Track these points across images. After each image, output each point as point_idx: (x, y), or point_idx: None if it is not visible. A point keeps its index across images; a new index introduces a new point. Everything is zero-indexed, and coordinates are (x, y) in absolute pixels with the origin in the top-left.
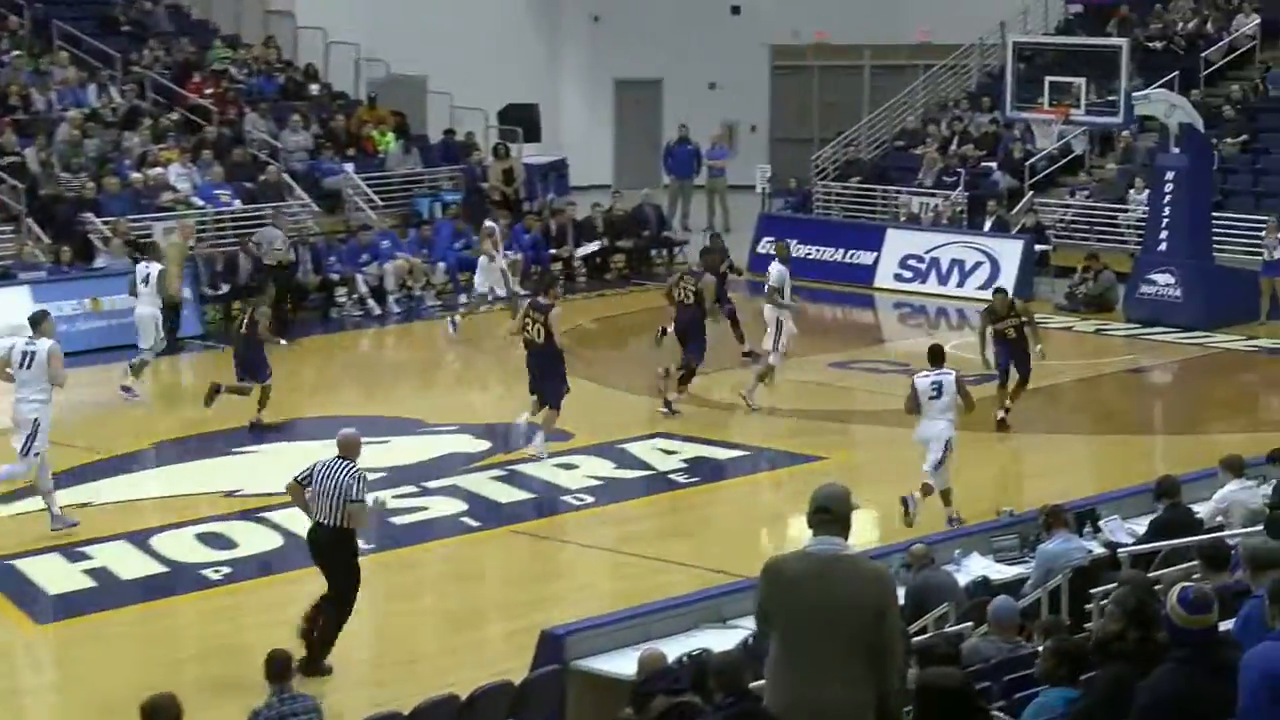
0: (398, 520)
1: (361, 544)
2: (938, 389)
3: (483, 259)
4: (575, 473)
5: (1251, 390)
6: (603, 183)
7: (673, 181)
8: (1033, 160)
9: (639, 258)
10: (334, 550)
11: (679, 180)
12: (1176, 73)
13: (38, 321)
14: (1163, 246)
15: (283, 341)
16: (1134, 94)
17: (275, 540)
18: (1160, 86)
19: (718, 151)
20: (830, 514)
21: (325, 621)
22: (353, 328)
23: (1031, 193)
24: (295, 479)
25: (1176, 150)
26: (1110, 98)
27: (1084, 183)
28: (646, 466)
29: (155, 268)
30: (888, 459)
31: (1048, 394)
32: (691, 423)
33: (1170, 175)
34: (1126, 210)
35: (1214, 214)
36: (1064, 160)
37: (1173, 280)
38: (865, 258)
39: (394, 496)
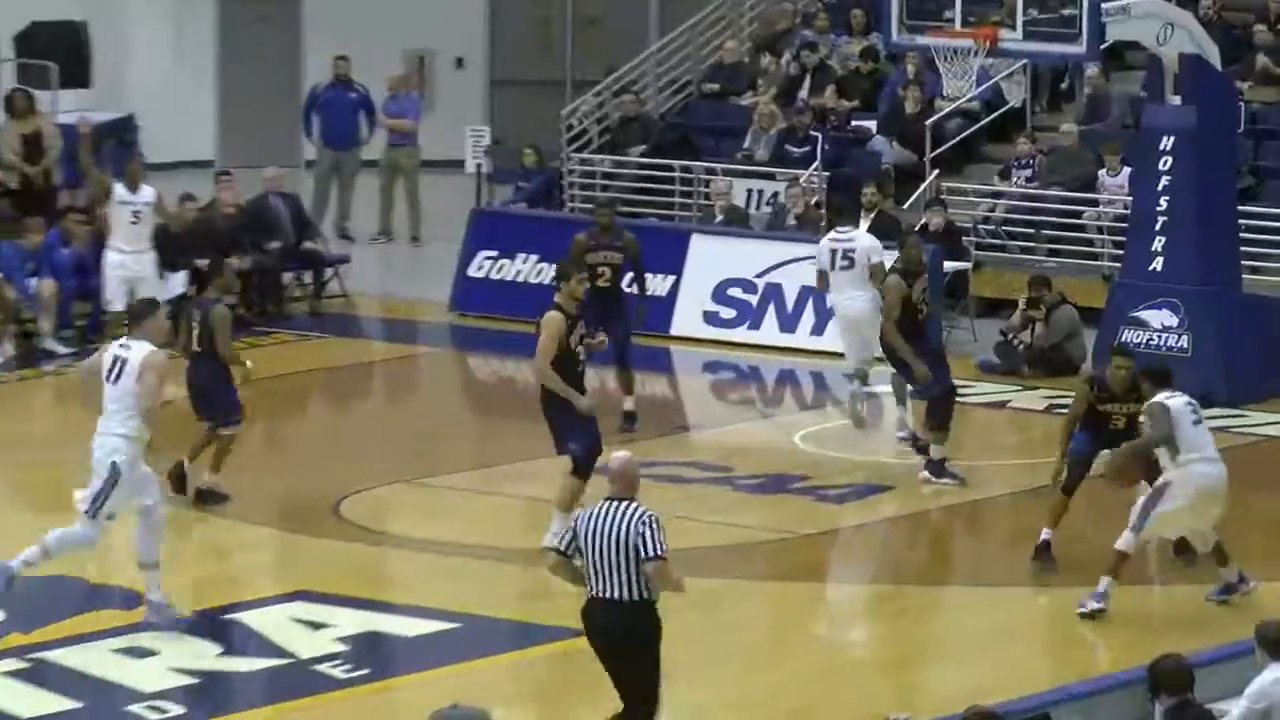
0: None
1: None
2: None
3: None
4: (152, 664)
5: None
6: (199, 157)
7: (323, 155)
8: (938, 117)
9: (265, 287)
10: (636, 638)
11: (334, 152)
12: None
13: (140, 316)
14: (1157, 264)
15: None
16: (1106, 4)
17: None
18: None
19: (400, 105)
20: None
21: None
22: None
23: (937, 172)
24: (556, 549)
25: (1177, 100)
26: (1066, 11)
27: (1025, 155)
28: (278, 651)
29: None
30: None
31: (968, 516)
32: (361, 573)
33: (1167, 142)
34: (1096, 203)
35: (1242, 208)
36: (991, 118)
37: (1175, 321)
38: (656, 284)
39: None
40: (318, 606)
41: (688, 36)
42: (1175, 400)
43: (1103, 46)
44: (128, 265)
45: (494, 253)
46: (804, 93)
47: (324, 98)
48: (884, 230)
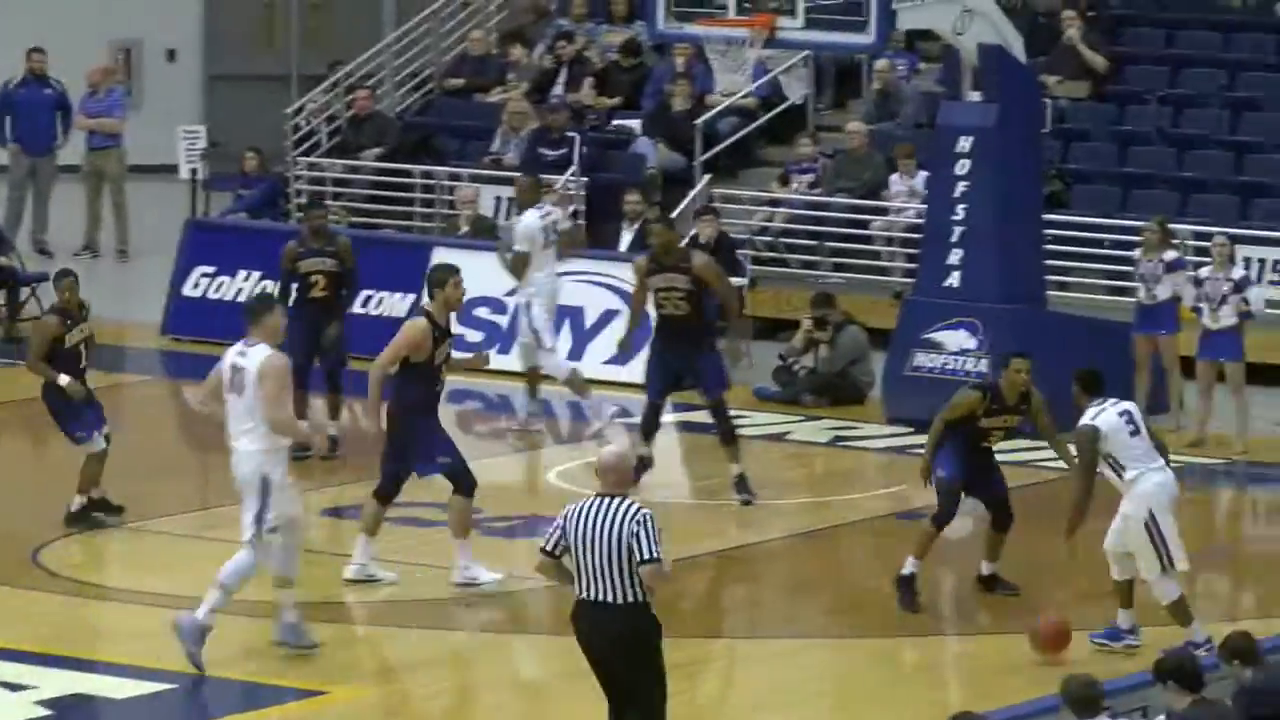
0: None
1: None
2: None
3: None
4: None
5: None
6: None
7: (16, 160)
8: (710, 116)
9: None
10: (635, 641)
11: (29, 158)
12: None
13: (258, 314)
14: (954, 279)
15: None
16: None
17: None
18: None
19: (102, 102)
20: None
21: None
22: None
23: (708, 178)
24: (543, 549)
25: (976, 96)
26: None
27: (807, 159)
28: None
29: None
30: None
31: (745, 563)
32: (65, 628)
33: (965, 143)
34: (886, 211)
35: (1048, 216)
36: (768, 116)
37: (974, 343)
38: (394, 304)
39: None
40: (17, 665)
41: (427, 26)
42: (1105, 415)
43: (892, 36)
44: None
45: (212, 269)
46: (559, 88)
47: (16, 95)
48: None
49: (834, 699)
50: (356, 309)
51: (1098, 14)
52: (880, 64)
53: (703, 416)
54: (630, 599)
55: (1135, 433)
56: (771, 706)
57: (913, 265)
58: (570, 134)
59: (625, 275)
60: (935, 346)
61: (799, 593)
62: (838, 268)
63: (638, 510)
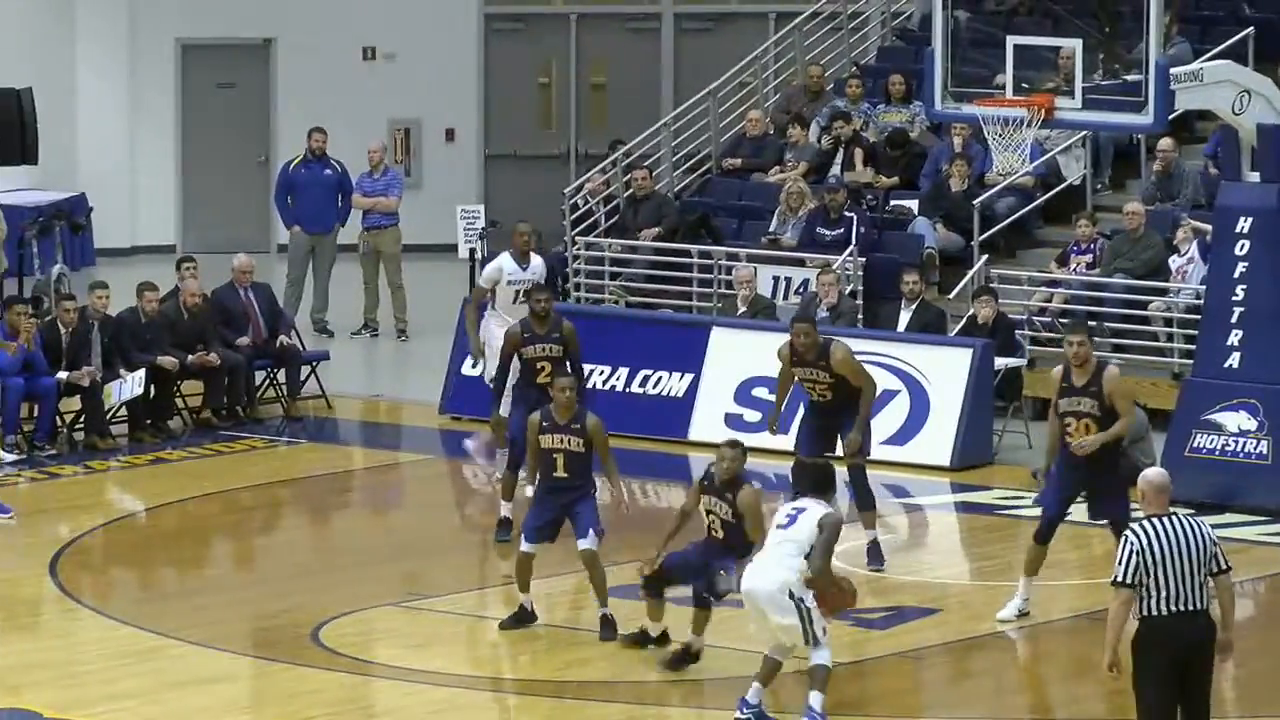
0: None
1: None
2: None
3: None
4: None
5: None
6: (160, 242)
7: (296, 239)
8: (988, 196)
9: (234, 387)
10: (1210, 650)
11: (309, 236)
12: (1251, 29)
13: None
14: (1234, 360)
15: None
16: (1175, 70)
17: None
18: (1220, 56)
19: (381, 180)
20: None
21: None
22: None
23: (986, 258)
24: (1122, 582)
25: (1255, 177)
26: (1130, 77)
27: (1085, 239)
28: None
29: None
30: None
31: (1030, 644)
32: (345, 706)
33: (1244, 224)
34: (1165, 292)
35: None
36: (1046, 197)
37: (1255, 424)
38: (674, 384)
39: None
40: None
41: (705, 105)
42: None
43: (1171, 117)
44: None
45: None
46: (836, 168)
47: (297, 176)
48: (927, 323)
49: None
50: (634, 389)
51: None
52: (1164, 143)
53: (979, 498)
54: (1205, 606)
55: (782, 525)
56: None
57: (1191, 346)
58: (848, 214)
59: (902, 355)
60: (1216, 428)
61: (1082, 675)
62: (1116, 348)
63: (1208, 525)
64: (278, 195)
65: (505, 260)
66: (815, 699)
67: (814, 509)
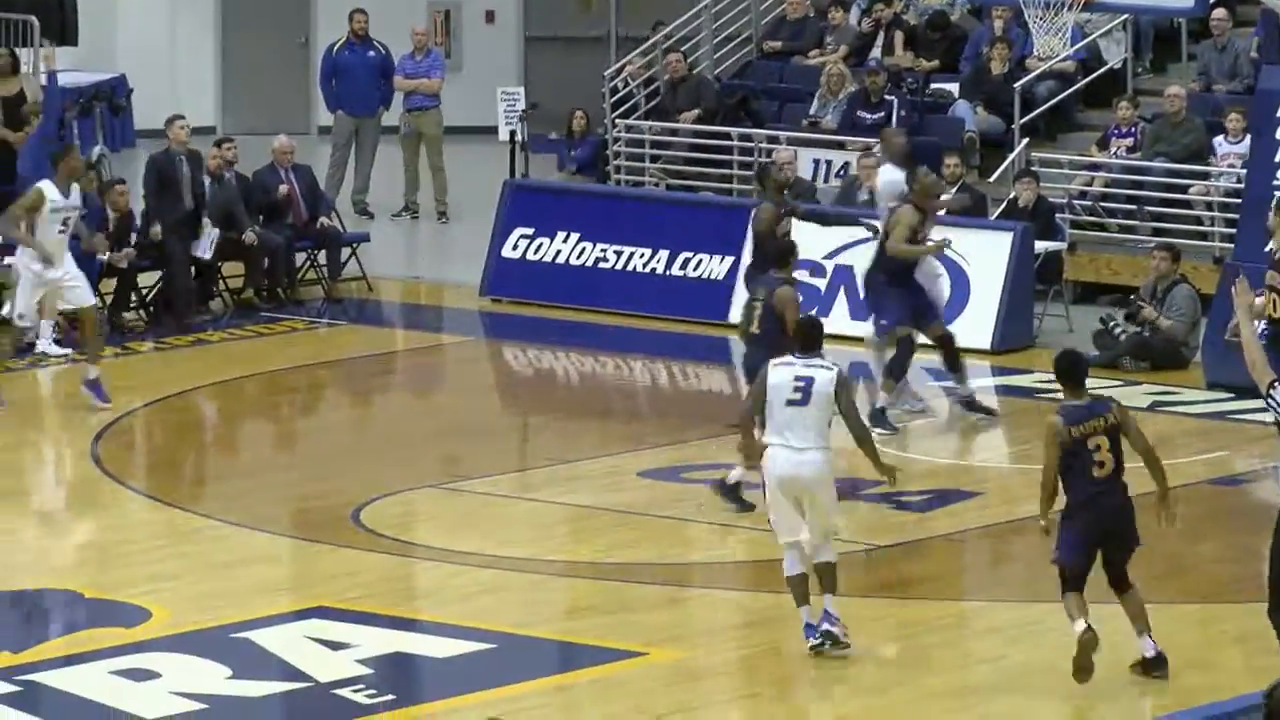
0: None
1: None
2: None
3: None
4: (154, 688)
5: None
6: (199, 124)
7: (340, 121)
8: (1028, 80)
9: (273, 267)
10: None
11: (352, 119)
12: None
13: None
14: (1273, 243)
15: None
16: None
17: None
18: None
19: (424, 61)
20: None
21: None
22: None
23: (1026, 142)
24: None
25: None
26: None
27: (1125, 122)
28: (293, 673)
29: None
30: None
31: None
32: (385, 587)
33: None
34: (1206, 176)
35: None
36: (1087, 80)
37: None
38: (714, 267)
39: None
40: (337, 624)
41: None
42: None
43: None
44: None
45: (530, 230)
46: (877, 51)
47: (340, 58)
48: (968, 207)
49: None
50: (675, 270)
51: None
52: (1218, 13)
53: (1020, 381)
54: None
55: (792, 403)
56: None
57: (1233, 230)
58: (888, 97)
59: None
60: (1257, 311)
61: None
62: (1156, 232)
63: None
64: (322, 79)
65: (48, 186)
66: (830, 602)
67: (819, 374)
